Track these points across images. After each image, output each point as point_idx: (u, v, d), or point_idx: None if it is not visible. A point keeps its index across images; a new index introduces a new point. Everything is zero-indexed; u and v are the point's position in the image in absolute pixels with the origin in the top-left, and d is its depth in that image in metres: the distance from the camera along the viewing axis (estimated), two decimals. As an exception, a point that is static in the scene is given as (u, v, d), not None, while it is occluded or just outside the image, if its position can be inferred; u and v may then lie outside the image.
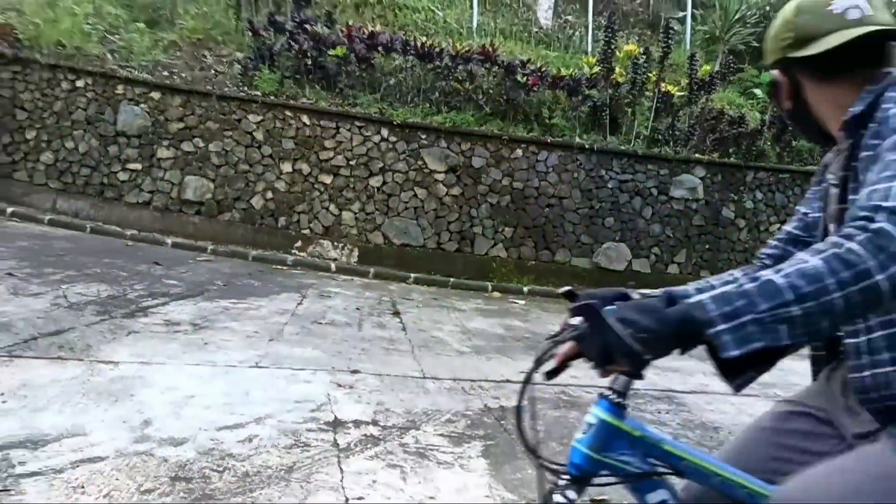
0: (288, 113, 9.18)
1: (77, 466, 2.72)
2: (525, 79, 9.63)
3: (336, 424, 3.48)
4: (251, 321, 5.42)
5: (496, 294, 8.61)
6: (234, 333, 4.97)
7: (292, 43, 9.56)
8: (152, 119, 8.99)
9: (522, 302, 8.27)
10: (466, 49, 9.94)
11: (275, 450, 3.09)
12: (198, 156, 9.01)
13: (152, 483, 2.65)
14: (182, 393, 3.64)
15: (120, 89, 8.98)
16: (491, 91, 9.78)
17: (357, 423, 3.53)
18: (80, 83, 8.95)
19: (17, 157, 8.89)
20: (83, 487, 2.56)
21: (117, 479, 2.65)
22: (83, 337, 4.40)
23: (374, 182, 9.21)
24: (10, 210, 8.39)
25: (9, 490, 2.48)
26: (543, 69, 9.93)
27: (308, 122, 9.18)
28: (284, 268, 8.37)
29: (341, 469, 2.95)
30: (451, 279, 8.76)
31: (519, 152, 9.42)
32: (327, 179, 9.15)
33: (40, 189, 8.89)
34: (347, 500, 2.69)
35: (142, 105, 9.00)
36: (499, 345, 5.60)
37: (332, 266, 8.67)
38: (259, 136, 9.10)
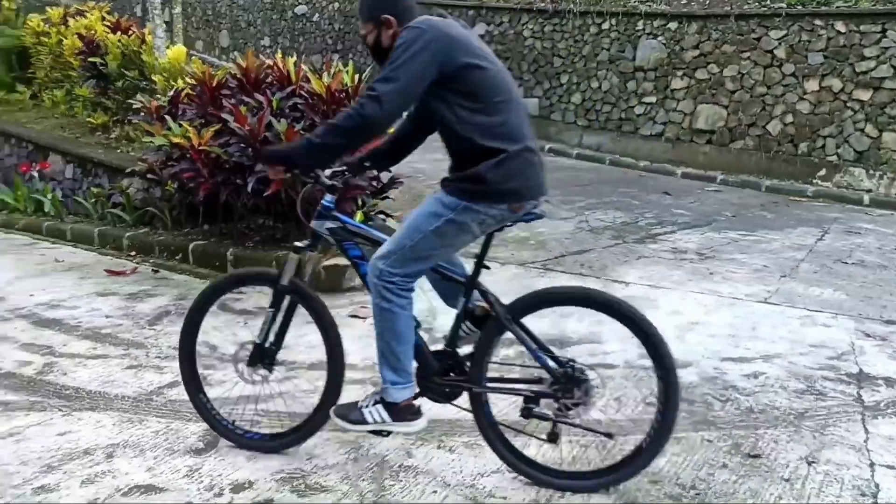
0: (817, 22, 8.00)
1: (593, 369, 3.07)
2: None
3: (861, 378, 3.00)
4: (761, 255, 5.09)
5: None
6: (741, 266, 4.76)
7: (828, -63, 8.18)
8: (668, 50, 9.10)
9: None
10: None
11: (783, 391, 2.86)
12: (711, 83, 8.74)
13: (656, 398, 2.79)
14: (686, 318, 3.70)
15: (640, 25, 9.34)
16: None
17: (890, 382, 2.97)
18: (605, 25, 9.67)
19: (553, 100, 10.27)
20: (597, 388, 2.88)
21: (625, 387, 2.89)
22: (600, 258, 4.89)
23: (934, 94, 7.31)
24: (546, 146, 9.83)
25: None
26: None
27: (843, 30, 7.82)
28: (802, 199, 7.52)
29: (866, 429, 2.54)
30: None
31: None
32: (864, 95, 7.70)
33: (570, 127, 10.10)
34: (873, 464, 2.31)
35: (659, 38, 9.19)
36: None
37: (865, 198, 7.36)
38: (780, 53, 8.23)
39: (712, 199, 7.30)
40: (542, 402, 2.07)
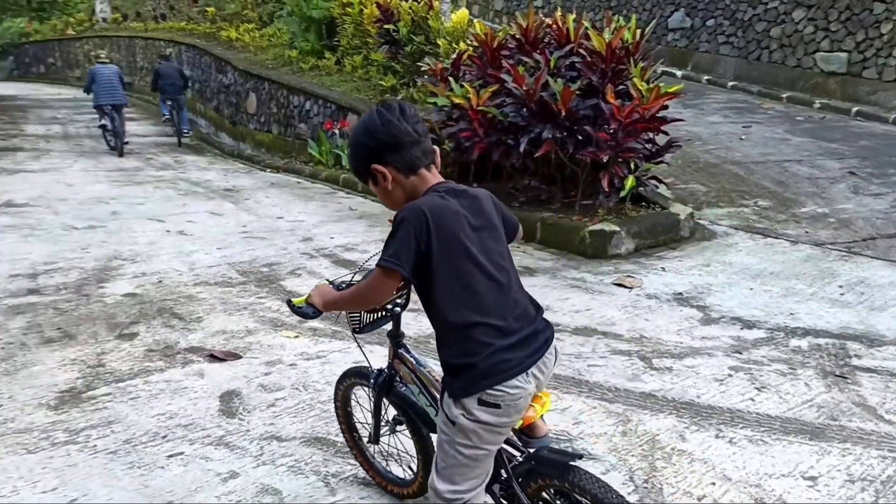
0: None
1: None
2: None
3: None
4: None
5: None
6: None
7: None
8: None
9: None
10: None
11: None
12: None
13: None
14: None
15: None
16: None
17: None
18: (950, -41, 7.82)
19: (868, 54, 8.65)
20: None
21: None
22: None
23: None
24: (854, 109, 8.38)
25: (846, 378, 2.56)
26: None
27: None
28: None
29: None
30: None
31: None
32: None
33: (888, 86, 8.44)
34: None
35: None
36: None
37: None
38: None
39: None
40: None
